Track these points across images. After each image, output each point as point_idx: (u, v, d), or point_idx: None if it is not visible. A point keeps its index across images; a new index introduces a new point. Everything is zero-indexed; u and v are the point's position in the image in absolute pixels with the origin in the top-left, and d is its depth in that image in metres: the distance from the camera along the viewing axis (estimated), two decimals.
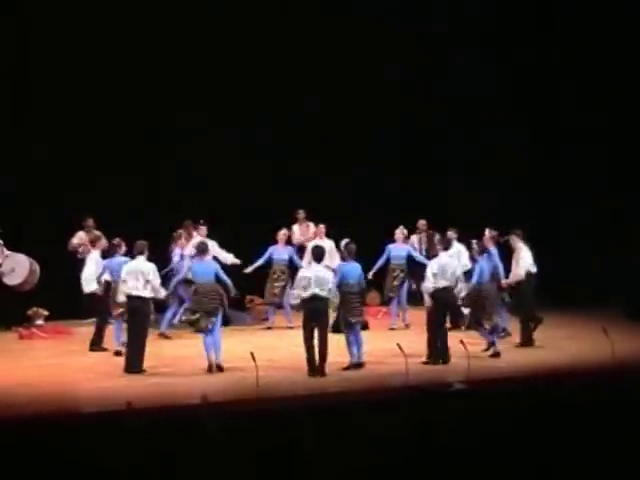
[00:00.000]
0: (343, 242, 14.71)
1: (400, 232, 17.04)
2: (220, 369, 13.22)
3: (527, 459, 9.17)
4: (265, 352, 13.73)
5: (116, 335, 14.72)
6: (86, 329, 17.11)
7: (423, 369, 13.34)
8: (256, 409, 10.81)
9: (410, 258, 16.92)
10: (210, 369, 13.21)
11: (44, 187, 17.75)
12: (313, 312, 13.21)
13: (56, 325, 17.02)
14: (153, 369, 13.58)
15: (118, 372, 13.40)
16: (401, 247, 17.00)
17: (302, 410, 10.65)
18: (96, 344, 15.12)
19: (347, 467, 8.96)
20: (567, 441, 9.51)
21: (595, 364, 13.13)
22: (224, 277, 13.71)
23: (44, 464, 8.58)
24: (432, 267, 14.02)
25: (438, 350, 13.81)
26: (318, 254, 13.61)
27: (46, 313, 16.87)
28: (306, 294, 13.19)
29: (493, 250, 14.88)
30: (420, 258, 16.82)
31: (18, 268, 15.94)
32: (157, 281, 13.51)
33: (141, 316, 13.46)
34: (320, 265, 13.55)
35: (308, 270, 13.56)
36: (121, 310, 13.82)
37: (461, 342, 13.35)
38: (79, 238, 17.62)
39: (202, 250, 13.82)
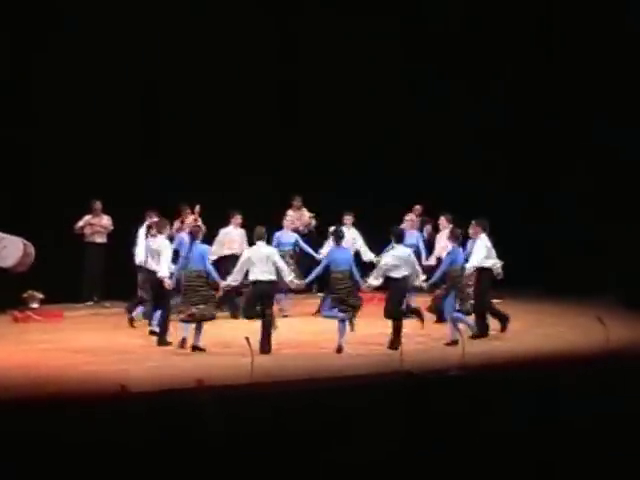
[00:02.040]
0: None
1: (289, 219, 17.26)
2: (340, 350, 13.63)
3: (522, 445, 9.22)
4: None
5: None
6: (81, 312, 17.26)
7: (418, 355, 13.39)
8: (251, 393, 10.83)
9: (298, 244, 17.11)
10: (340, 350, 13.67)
11: (43, 169, 17.75)
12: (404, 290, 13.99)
13: (51, 308, 17.00)
14: (149, 353, 13.65)
15: (114, 355, 13.44)
16: (289, 234, 17.14)
17: (297, 394, 10.69)
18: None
19: (340, 452, 8.99)
20: (562, 427, 9.57)
21: (590, 352, 13.17)
22: (354, 268, 14.04)
23: (41, 447, 8.62)
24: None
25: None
26: (399, 235, 14.12)
27: (41, 296, 16.83)
28: (399, 274, 13.79)
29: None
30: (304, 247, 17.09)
31: (11, 250, 15.92)
32: (284, 264, 14.07)
33: (268, 299, 13.82)
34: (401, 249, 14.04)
35: (397, 251, 13.97)
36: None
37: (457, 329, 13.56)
38: (84, 221, 17.75)
39: (339, 236, 14.08)
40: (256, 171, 18.84)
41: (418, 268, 14.26)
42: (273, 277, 13.84)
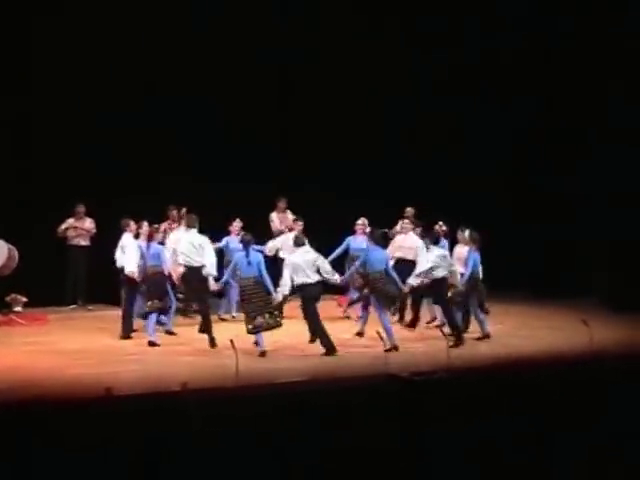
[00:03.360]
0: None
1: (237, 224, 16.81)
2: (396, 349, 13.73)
3: (505, 446, 9.25)
4: (246, 340, 13.75)
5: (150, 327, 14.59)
6: (65, 315, 17.20)
7: (403, 357, 13.40)
8: (235, 396, 10.83)
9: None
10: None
11: (26, 172, 17.70)
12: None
13: (35, 312, 16.95)
14: (134, 355, 13.62)
15: (99, 359, 13.40)
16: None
17: (281, 397, 10.68)
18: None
19: (326, 455, 9.00)
20: (543, 428, 9.60)
21: (574, 354, 13.20)
22: (391, 271, 14.41)
23: (26, 449, 8.60)
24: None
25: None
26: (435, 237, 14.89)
27: (25, 300, 16.78)
28: (441, 274, 14.40)
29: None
30: None
31: None
32: (327, 266, 14.17)
33: (312, 300, 13.90)
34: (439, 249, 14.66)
35: (432, 254, 14.50)
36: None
37: (440, 330, 13.57)
38: (67, 224, 17.71)
39: (377, 239, 14.43)
40: (247, 176, 18.79)
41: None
42: (315, 278, 13.95)
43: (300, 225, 16.39)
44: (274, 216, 18.09)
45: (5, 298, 16.72)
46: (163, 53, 18.46)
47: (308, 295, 13.93)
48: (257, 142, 19.23)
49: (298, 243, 14.34)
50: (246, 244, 14.09)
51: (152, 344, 14.26)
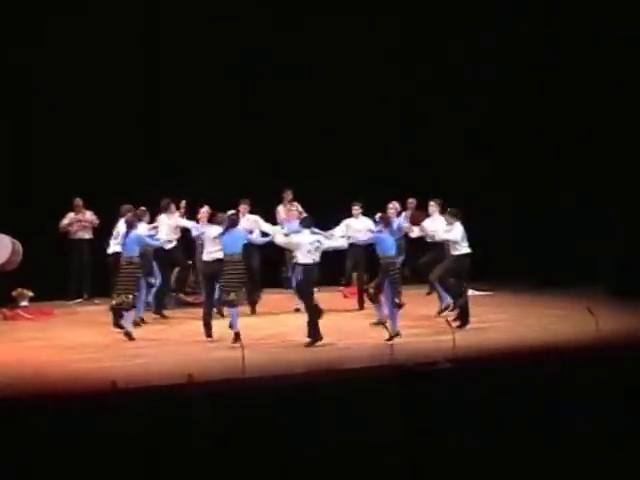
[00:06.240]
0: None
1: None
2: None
3: (511, 436, 9.27)
4: (251, 332, 13.78)
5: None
6: (70, 309, 17.24)
7: (407, 347, 13.40)
8: (241, 388, 10.85)
9: None
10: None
11: (28, 167, 17.73)
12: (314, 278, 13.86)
13: (41, 306, 16.98)
14: (139, 349, 13.65)
15: (104, 352, 13.43)
16: None
17: (287, 389, 10.70)
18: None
19: (331, 446, 9.02)
20: (551, 417, 9.62)
21: (579, 342, 13.20)
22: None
23: (31, 443, 8.63)
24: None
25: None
26: (308, 222, 14.16)
27: (31, 294, 16.82)
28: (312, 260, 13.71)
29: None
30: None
31: (0, 248, 15.94)
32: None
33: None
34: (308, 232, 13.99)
35: (307, 237, 13.88)
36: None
37: (446, 320, 13.58)
38: (69, 219, 17.67)
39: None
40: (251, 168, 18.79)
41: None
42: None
43: (295, 212, 16.50)
44: (280, 208, 18.06)
45: (11, 293, 16.77)
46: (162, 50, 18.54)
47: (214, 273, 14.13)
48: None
49: (217, 222, 14.32)
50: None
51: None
